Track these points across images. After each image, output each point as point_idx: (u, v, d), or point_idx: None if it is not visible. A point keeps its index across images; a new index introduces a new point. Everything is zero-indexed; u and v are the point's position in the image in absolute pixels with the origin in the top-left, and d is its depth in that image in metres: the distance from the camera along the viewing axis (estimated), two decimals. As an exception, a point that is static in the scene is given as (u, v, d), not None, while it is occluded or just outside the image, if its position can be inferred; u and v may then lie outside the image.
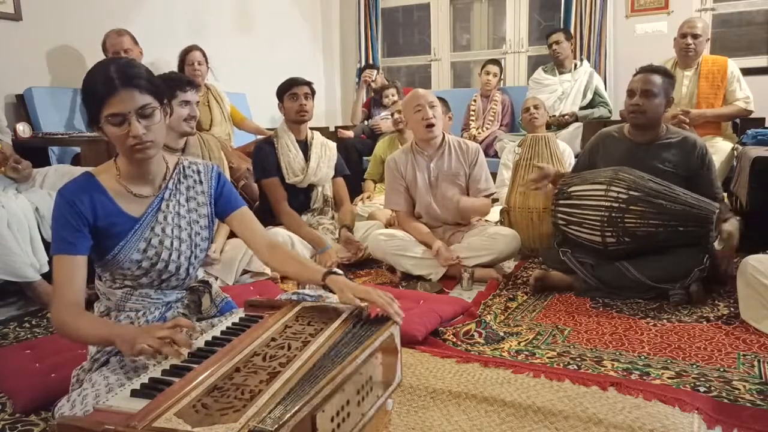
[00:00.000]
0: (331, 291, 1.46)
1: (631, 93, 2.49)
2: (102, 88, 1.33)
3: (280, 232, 2.79)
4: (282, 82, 3.07)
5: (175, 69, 3.71)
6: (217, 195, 1.59)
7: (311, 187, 3.12)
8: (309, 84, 3.05)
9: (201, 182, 1.57)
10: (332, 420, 1.06)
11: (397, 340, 1.37)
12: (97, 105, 1.35)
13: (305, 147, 3.08)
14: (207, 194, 1.57)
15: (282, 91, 3.04)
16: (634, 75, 2.53)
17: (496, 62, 4.74)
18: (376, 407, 1.25)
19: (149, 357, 1.22)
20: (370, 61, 5.59)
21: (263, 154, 3.04)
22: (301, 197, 3.10)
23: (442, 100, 3.51)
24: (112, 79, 1.33)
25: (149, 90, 1.37)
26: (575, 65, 4.37)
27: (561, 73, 4.38)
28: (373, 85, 5.05)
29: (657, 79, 2.45)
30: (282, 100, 3.04)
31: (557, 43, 4.31)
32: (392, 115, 4.07)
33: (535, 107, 3.50)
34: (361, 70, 5.36)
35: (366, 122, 4.89)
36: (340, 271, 1.52)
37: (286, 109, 3.04)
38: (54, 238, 1.39)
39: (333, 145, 3.23)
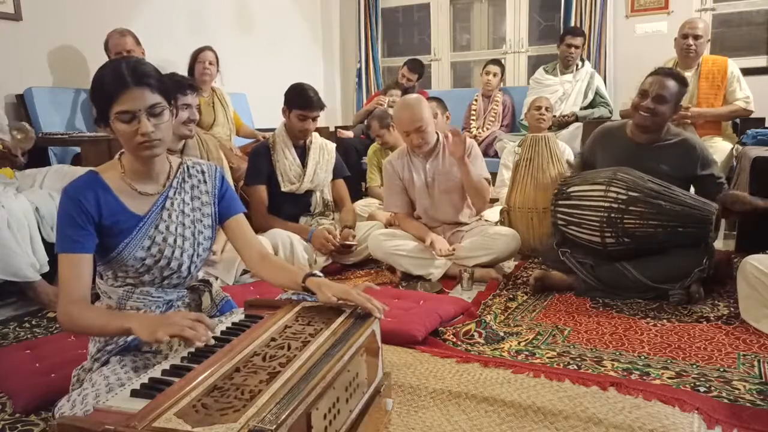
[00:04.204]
0: (311, 293, 1.45)
1: (643, 93, 2.43)
2: (113, 85, 1.34)
3: (279, 234, 2.79)
4: (296, 92, 2.94)
5: (175, 69, 3.70)
6: (220, 196, 1.60)
7: (309, 192, 3.09)
8: (322, 108, 2.97)
9: (205, 182, 1.58)
10: (324, 417, 1.07)
11: (378, 337, 1.37)
12: (107, 102, 1.36)
13: (303, 152, 3.06)
14: (211, 194, 1.58)
15: (293, 104, 2.94)
16: (649, 75, 2.47)
17: (497, 62, 4.73)
18: (362, 403, 1.27)
19: (167, 345, 1.24)
20: (371, 62, 5.59)
21: (258, 161, 3.01)
22: (300, 203, 3.08)
23: (438, 100, 3.50)
24: (124, 76, 1.34)
25: (159, 89, 1.39)
26: (577, 66, 4.37)
27: (563, 73, 4.38)
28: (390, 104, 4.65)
29: (672, 85, 2.40)
30: (290, 109, 2.95)
31: (575, 47, 4.27)
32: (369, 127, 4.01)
33: (547, 109, 3.50)
34: (362, 69, 5.29)
35: (365, 122, 4.87)
36: (320, 273, 1.52)
37: (291, 122, 2.97)
38: (59, 236, 1.39)
39: (332, 147, 3.20)
